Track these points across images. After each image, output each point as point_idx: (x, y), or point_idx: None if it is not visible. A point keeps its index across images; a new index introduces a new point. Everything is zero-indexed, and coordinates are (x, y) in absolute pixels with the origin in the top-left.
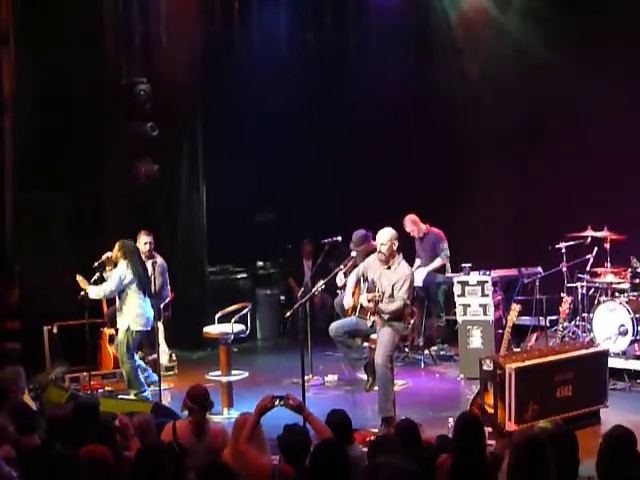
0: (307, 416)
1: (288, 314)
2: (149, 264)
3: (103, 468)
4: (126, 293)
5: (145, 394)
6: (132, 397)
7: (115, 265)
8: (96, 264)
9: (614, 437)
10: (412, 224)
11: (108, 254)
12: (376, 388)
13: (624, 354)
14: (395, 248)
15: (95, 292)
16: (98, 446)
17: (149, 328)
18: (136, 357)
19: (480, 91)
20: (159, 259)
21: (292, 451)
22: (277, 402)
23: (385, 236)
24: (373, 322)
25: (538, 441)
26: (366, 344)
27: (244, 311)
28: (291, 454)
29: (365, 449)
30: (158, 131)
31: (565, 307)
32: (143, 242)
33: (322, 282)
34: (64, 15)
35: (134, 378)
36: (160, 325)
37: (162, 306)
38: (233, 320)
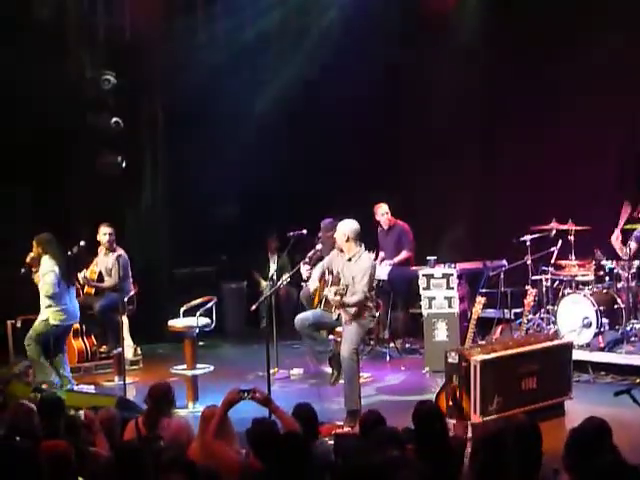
0: (274, 409)
1: (254, 307)
2: (112, 257)
3: (64, 463)
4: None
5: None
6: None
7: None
8: (22, 270)
9: (585, 430)
10: (382, 213)
11: (31, 254)
12: (341, 381)
13: (588, 346)
14: (354, 240)
15: (44, 294)
16: (59, 441)
17: (72, 322)
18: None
19: (443, 83)
20: (121, 252)
21: (260, 444)
22: (244, 395)
23: (346, 226)
24: (339, 315)
25: (501, 434)
26: (332, 337)
27: (209, 304)
28: (259, 447)
29: (331, 442)
30: (122, 125)
31: (530, 299)
32: (102, 233)
33: (287, 275)
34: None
35: (39, 364)
36: (125, 319)
37: (126, 300)
38: (198, 313)
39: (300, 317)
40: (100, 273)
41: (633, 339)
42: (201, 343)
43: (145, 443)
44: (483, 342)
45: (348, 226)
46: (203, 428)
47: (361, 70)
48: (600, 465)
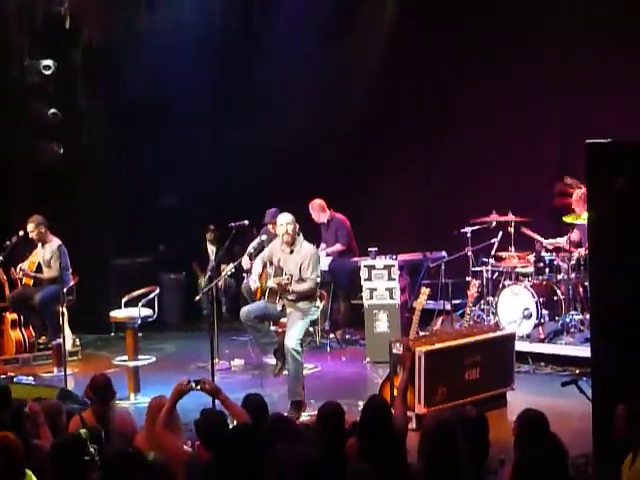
0: (223, 400)
1: (197, 298)
2: (48, 248)
3: (12, 455)
4: None
5: None
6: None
7: None
8: None
9: (527, 420)
10: (318, 209)
11: None
12: (285, 372)
13: (528, 337)
14: (297, 230)
15: None
16: (7, 433)
17: None
18: None
19: (383, 74)
20: (59, 242)
21: (209, 435)
22: (193, 386)
23: (287, 217)
24: (283, 306)
25: (448, 425)
26: (275, 328)
27: (151, 295)
28: (208, 438)
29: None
30: (61, 114)
31: (473, 290)
32: (28, 230)
33: (231, 265)
34: None
35: None
36: (64, 310)
37: (65, 290)
38: (140, 304)
39: (245, 309)
40: (39, 264)
41: (572, 330)
42: (139, 334)
43: (90, 434)
44: (424, 333)
45: (291, 217)
46: (151, 419)
47: (310, 64)
48: (537, 453)
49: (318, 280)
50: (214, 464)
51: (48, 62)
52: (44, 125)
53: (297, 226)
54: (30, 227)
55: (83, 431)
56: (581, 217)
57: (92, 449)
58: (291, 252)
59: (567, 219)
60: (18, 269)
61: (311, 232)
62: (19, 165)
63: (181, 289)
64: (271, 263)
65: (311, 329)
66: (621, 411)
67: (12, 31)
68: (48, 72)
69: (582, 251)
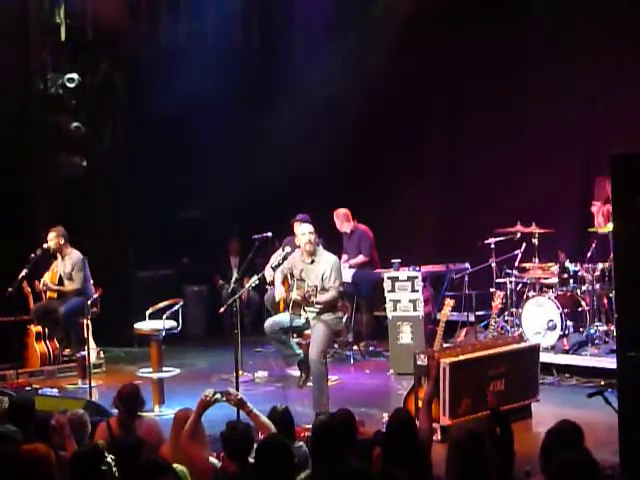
0: (249, 412)
1: (222, 310)
2: (69, 261)
3: (46, 467)
4: None
5: None
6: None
7: None
8: None
9: (560, 431)
10: (342, 218)
11: None
12: (309, 384)
13: (553, 349)
14: (317, 240)
15: None
16: (37, 445)
17: None
18: None
19: (407, 84)
20: (75, 254)
21: (235, 447)
22: (219, 397)
23: (308, 227)
24: (307, 318)
25: (477, 436)
26: (299, 340)
27: (175, 307)
28: (234, 450)
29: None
30: (84, 128)
31: (497, 302)
32: (49, 239)
33: (255, 277)
34: None
35: None
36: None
37: (89, 302)
38: (164, 316)
39: (269, 321)
40: (60, 277)
41: (597, 341)
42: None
43: (115, 445)
44: (448, 345)
45: (311, 227)
46: (176, 430)
47: (331, 75)
48: (570, 462)
49: (341, 289)
50: (240, 476)
51: (72, 75)
52: (67, 138)
53: (317, 236)
54: (51, 236)
55: (101, 442)
56: (606, 227)
57: (110, 459)
58: (312, 262)
59: (592, 229)
60: (42, 284)
61: (332, 242)
62: (42, 178)
63: (204, 301)
64: (292, 275)
65: (335, 341)
66: None
67: (35, 44)
68: (71, 85)
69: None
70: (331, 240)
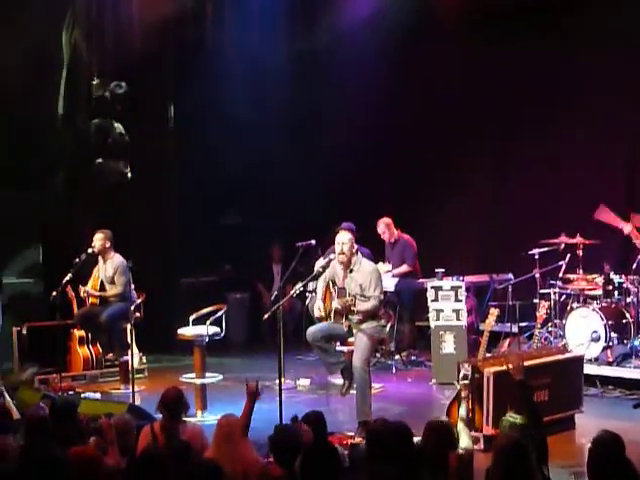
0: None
1: (266, 316)
2: (110, 265)
3: (91, 470)
4: None
5: None
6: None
7: None
8: None
9: (603, 441)
10: (385, 227)
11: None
12: (352, 392)
13: (596, 360)
14: (354, 250)
15: None
16: (85, 447)
17: None
18: None
19: (451, 93)
20: (117, 257)
21: (283, 451)
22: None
23: (345, 236)
24: (349, 326)
25: (523, 445)
26: (343, 348)
27: (219, 313)
28: (281, 454)
29: (346, 452)
30: (128, 135)
31: (542, 312)
32: (95, 239)
33: (299, 285)
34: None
35: None
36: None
37: (132, 308)
38: (208, 322)
39: (311, 329)
40: (101, 282)
41: None
42: None
43: (167, 449)
44: (491, 355)
45: (348, 237)
46: (219, 436)
47: (375, 82)
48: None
49: (382, 297)
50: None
51: (118, 82)
52: (112, 144)
53: (355, 246)
54: (97, 237)
55: None
56: None
57: None
58: (351, 271)
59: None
60: (82, 292)
61: (375, 251)
62: (87, 183)
63: (246, 309)
64: (334, 283)
65: (377, 349)
66: None
67: (81, 50)
68: (120, 91)
69: None
70: (376, 247)
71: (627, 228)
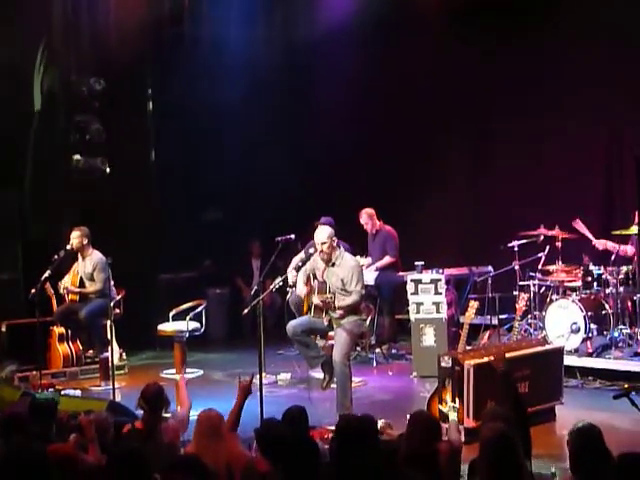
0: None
1: (245, 311)
2: (89, 262)
3: (70, 467)
4: None
5: None
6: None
7: None
8: None
9: (581, 432)
10: (368, 217)
11: None
12: (333, 386)
13: (576, 352)
14: (335, 244)
15: None
16: (64, 445)
17: None
18: None
19: (431, 87)
20: (96, 254)
21: (270, 445)
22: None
23: (324, 234)
24: (329, 320)
25: (509, 436)
26: (323, 342)
27: (199, 309)
28: (268, 448)
29: (326, 446)
30: (105, 130)
31: (522, 304)
32: (72, 237)
33: (279, 279)
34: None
35: None
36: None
37: (112, 304)
38: (188, 318)
39: (292, 323)
40: (81, 279)
41: (621, 344)
42: None
43: (144, 444)
44: (471, 347)
45: (331, 231)
46: (200, 431)
47: (355, 74)
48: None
49: (363, 292)
50: (274, 474)
51: (96, 78)
52: (90, 141)
53: (335, 240)
54: (74, 235)
55: None
56: (631, 230)
57: None
58: (333, 265)
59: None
60: (62, 287)
61: (357, 243)
62: (65, 181)
63: (226, 304)
64: (314, 277)
65: (358, 343)
66: None
67: (58, 48)
68: (98, 87)
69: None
70: (356, 241)
71: (600, 244)
